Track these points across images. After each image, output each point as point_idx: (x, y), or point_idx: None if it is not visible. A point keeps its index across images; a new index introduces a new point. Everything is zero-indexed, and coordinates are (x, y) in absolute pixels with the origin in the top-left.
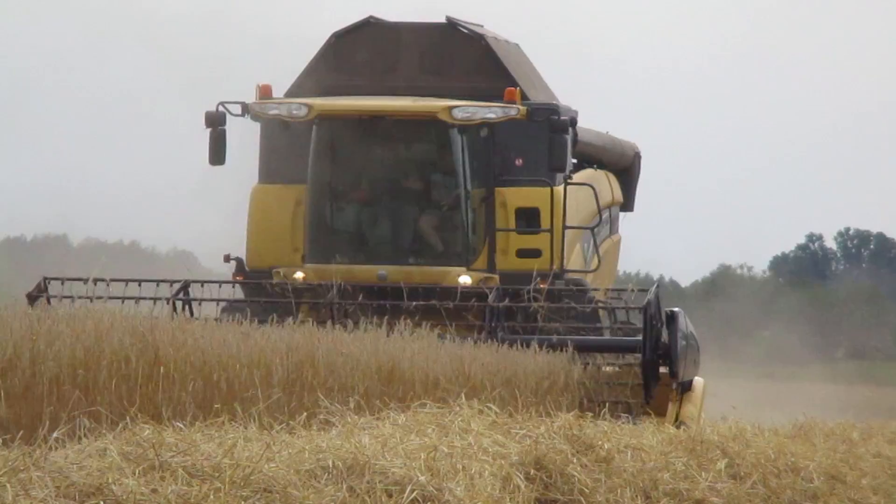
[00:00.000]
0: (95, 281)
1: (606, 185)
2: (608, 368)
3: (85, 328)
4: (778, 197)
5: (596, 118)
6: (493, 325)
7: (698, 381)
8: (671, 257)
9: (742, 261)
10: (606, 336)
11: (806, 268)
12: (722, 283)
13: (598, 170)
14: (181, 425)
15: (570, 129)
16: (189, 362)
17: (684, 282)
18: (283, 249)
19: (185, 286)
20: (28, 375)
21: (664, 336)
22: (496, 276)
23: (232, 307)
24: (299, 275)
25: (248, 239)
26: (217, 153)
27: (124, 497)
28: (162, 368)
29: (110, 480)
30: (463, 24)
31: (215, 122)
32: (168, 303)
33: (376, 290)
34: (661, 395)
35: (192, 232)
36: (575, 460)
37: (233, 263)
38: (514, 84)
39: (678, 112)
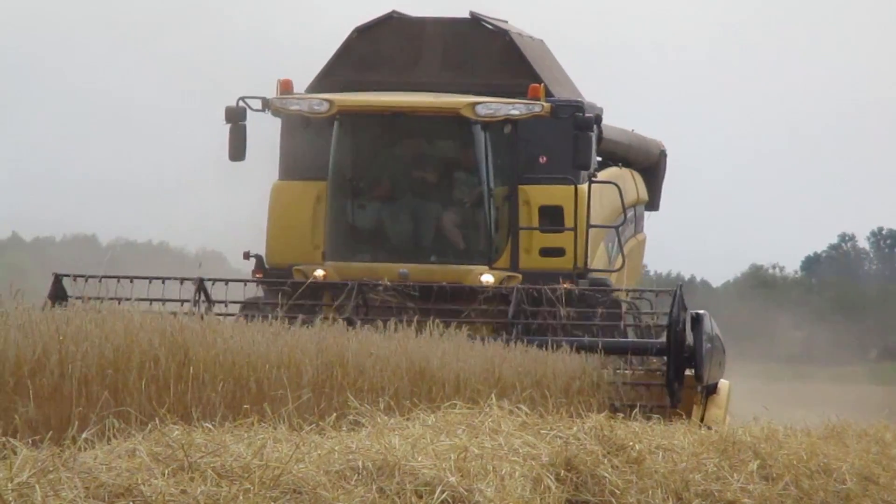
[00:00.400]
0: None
1: (632, 183)
2: (632, 371)
3: (114, 328)
4: (810, 196)
5: (622, 116)
6: (515, 324)
7: (724, 383)
8: (702, 257)
9: (774, 261)
10: (630, 337)
11: (838, 268)
12: (754, 284)
13: (624, 168)
14: (210, 426)
15: (595, 127)
16: (218, 362)
17: (716, 282)
18: (303, 247)
19: (201, 285)
20: (56, 376)
21: (689, 339)
22: (519, 276)
23: (251, 306)
24: (319, 272)
25: (268, 236)
26: (237, 148)
27: (154, 498)
28: (191, 369)
29: (139, 481)
30: (487, 19)
31: (235, 117)
32: (194, 304)
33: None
34: (686, 398)
35: (220, 231)
36: (606, 461)
37: (252, 261)
38: (539, 80)
39: (708, 110)
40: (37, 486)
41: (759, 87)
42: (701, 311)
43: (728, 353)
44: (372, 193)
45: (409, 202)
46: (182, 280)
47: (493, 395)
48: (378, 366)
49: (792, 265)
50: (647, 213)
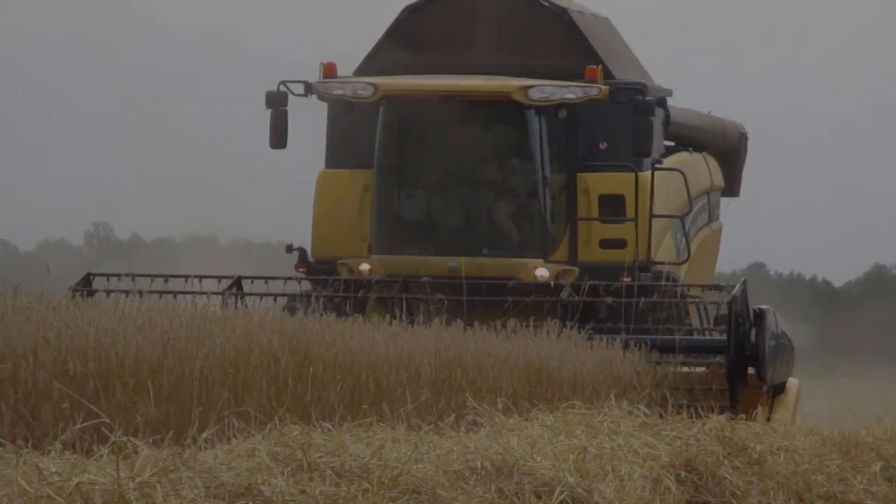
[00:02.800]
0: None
1: (704, 169)
2: (695, 369)
3: (235, 328)
4: None
5: (713, 99)
6: (566, 321)
7: (793, 382)
8: (824, 256)
9: None
10: (695, 336)
11: None
12: (877, 284)
13: (696, 153)
14: (329, 426)
15: (661, 110)
16: (337, 363)
17: (837, 282)
18: (349, 239)
19: (238, 282)
20: (176, 376)
21: (752, 336)
22: (576, 269)
23: (295, 302)
24: (365, 266)
25: (313, 227)
26: (278, 135)
27: (273, 497)
28: (311, 369)
29: (259, 481)
30: None
31: (276, 102)
32: (223, 298)
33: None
34: (751, 398)
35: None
36: (727, 462)
37: (295, 254)
38: (599, 61)
39: (825, 101)
40: (158, 485)
41: (876, 72)
42: (764, 307)
43: (849, 354)
44: (420, 182)
45: (460, 192)
46: (220, 278)
47: (612, 396)
48: (496, 366)
49: None
50: (727, 200)
